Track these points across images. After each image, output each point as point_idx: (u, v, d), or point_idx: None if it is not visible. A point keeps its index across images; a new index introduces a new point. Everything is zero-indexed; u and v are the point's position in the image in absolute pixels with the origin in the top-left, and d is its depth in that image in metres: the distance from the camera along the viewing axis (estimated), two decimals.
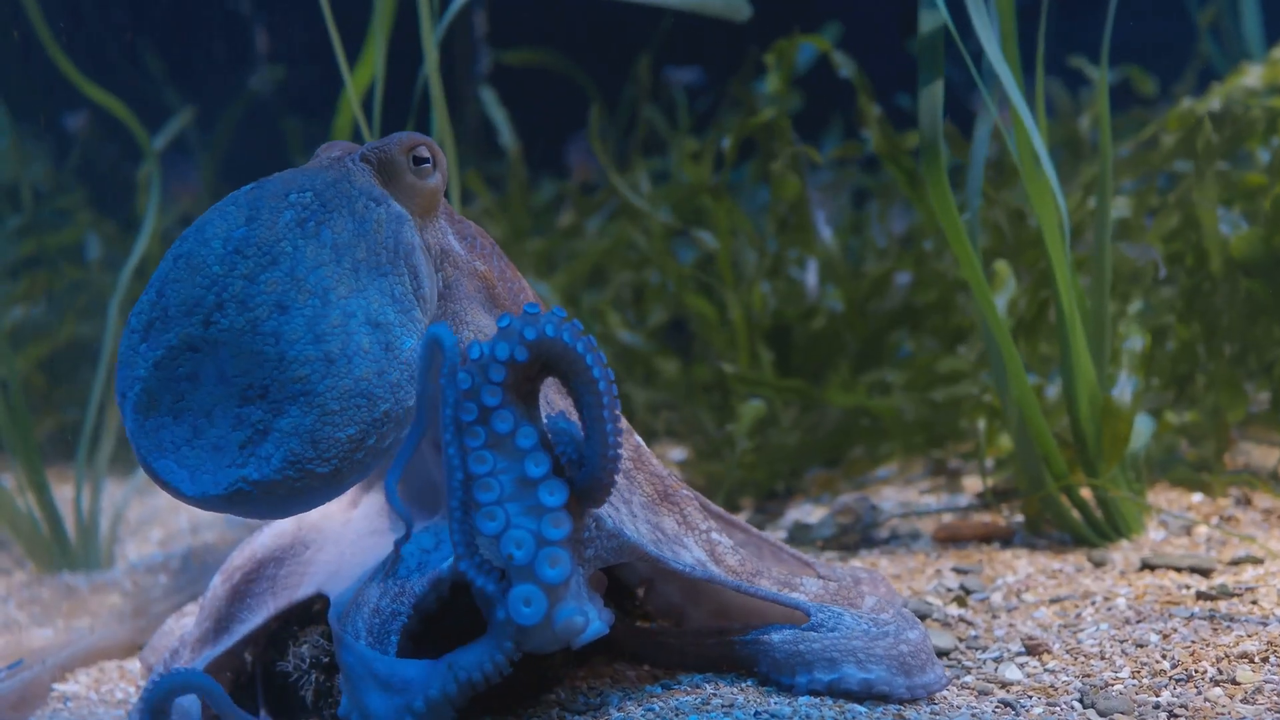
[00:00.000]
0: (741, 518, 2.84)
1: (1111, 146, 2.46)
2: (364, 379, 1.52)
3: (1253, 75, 3.01)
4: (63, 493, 2.95)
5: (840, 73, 2.92)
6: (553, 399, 1.73)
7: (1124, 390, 2.38)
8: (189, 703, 1.73)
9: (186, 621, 2.06)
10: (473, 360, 1.55)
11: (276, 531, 1.82)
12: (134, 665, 2.15)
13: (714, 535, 1.81)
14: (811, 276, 3.25)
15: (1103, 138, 2.41)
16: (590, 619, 1.58)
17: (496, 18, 4.76)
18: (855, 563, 2.44)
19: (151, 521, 3.32)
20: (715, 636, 1.82)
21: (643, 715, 1.65)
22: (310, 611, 1.79)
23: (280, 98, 4.62)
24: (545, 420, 1.59)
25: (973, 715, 1.65)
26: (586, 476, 1.56)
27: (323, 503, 1.57)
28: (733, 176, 3.84)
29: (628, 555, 1.70)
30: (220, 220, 1.59)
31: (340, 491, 1.56)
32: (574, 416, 1.60)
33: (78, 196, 4.22)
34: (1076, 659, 1.85)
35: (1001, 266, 2.66)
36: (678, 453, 3.40)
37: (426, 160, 1.72)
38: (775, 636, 1.74)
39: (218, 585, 1.83)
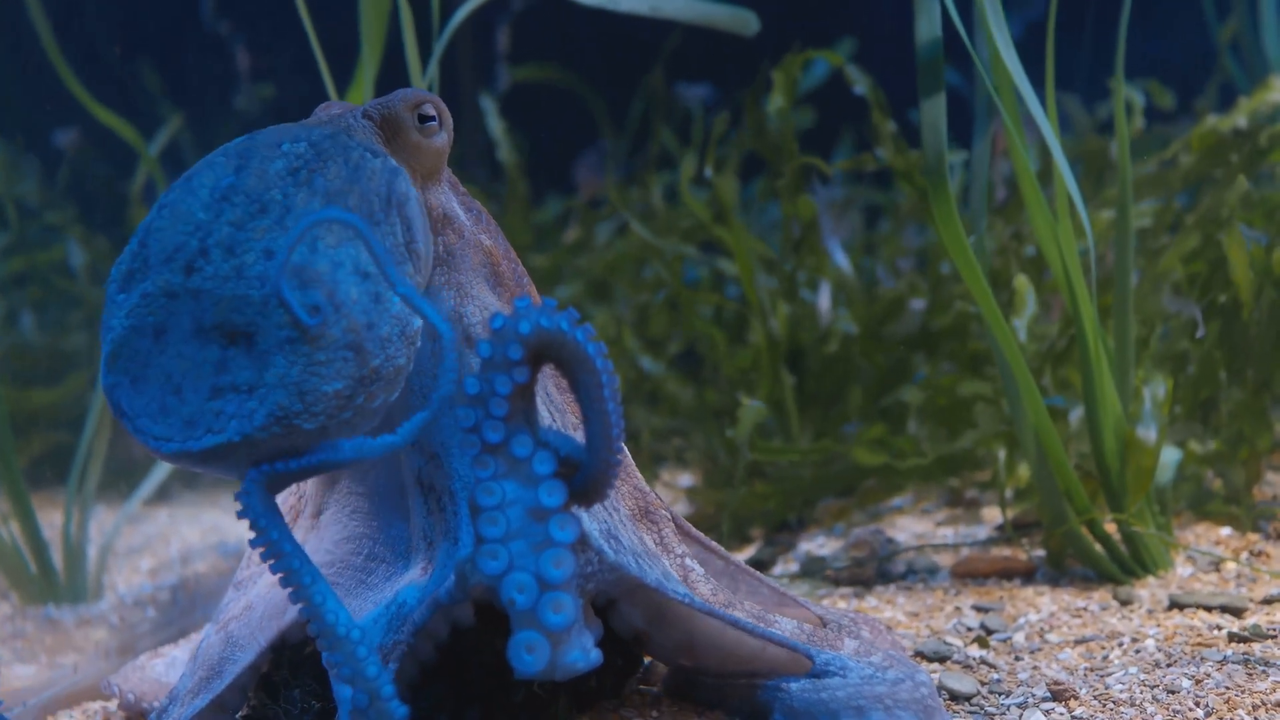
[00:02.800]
0: (752, 549, 2.77)
1: (1131, 169, 2.35)
2: (351, 330, 1.43)
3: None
4: (50, 518, 2.88)
5: (855, 89, 2.83)
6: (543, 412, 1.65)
7: (1149, 422, 2.29)
8: None
9: (160, 662, 1.99)
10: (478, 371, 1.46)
11: (271, 581, 1.74)
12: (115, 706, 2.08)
13: (688, 561, 1.73)
14: (824, 299, 3.16)
15: (1122, 161, 2.31)
16: (589, 652, 1.50)
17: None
18: (871, 600, 2.36)
19: (142, 550, 3.24)
20: (745, 679, 1.73)
21: None
22: (302, 655, 1.70)
23: (274, 118, 4.58)
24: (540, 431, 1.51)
25: None
26: (588, 469, 1.47)
27: None
28: (744, 193, 3.76)
29: (623, 588, 1.63)
30: (208, 170, 1.53)
31: None
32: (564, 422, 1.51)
33: (68, 213, 4.16)
34: (1105, 706, 1.77)
35: (1021, 283, 2.57)
36: (685, 479, 3.33)
37: (433, 118, 1.66)
38: (793, 685, 1.66)
39: (211, 635, 1.75)
